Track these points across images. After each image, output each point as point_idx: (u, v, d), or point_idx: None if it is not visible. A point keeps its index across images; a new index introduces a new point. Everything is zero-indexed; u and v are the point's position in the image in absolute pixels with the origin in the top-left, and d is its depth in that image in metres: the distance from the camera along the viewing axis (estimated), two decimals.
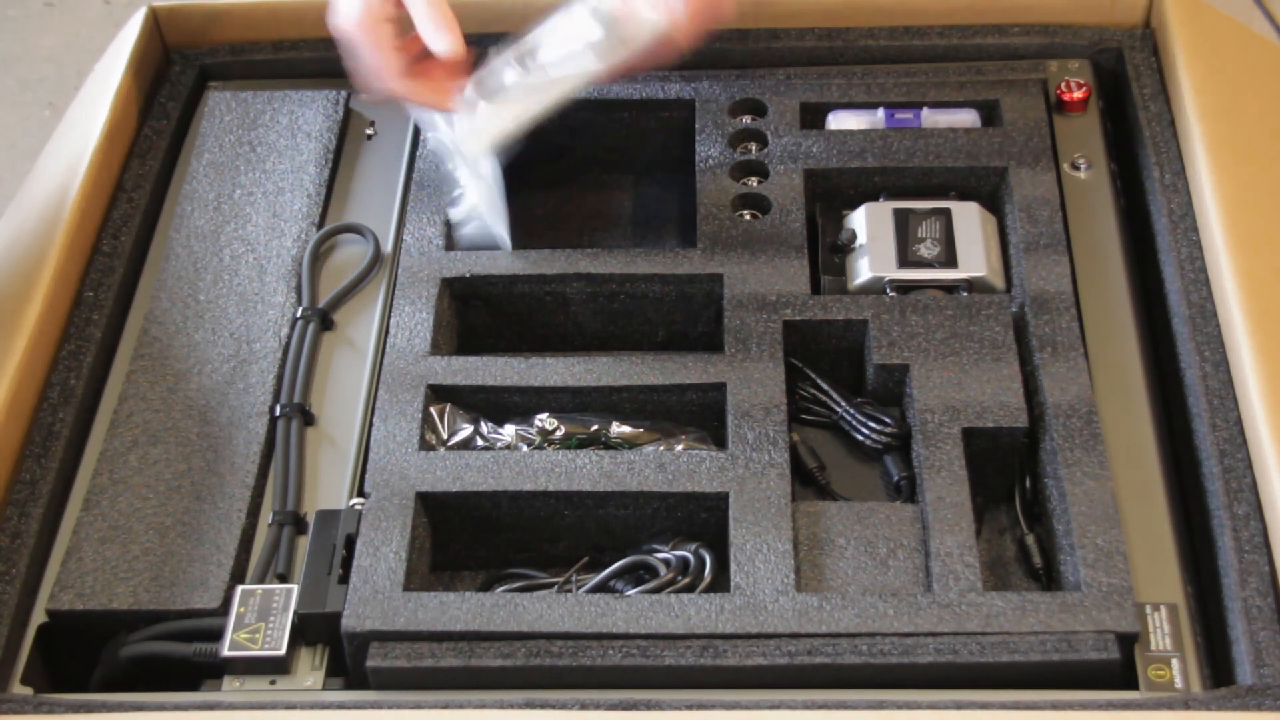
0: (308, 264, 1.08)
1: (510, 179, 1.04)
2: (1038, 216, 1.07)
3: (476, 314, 1.08)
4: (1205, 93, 1.10)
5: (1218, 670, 0.87)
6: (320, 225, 1.11)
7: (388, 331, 1.03)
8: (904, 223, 1.07)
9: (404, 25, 1.00)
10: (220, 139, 1.17)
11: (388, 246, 1.11)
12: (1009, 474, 0.98)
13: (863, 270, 1.05)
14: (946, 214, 1.07)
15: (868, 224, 1.07)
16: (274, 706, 0.86)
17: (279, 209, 1.12)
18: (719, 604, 0.88)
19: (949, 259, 1.05)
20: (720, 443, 0.99)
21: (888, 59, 1.20)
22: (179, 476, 0.97)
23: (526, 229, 1.18)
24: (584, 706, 0.83)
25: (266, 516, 0.96)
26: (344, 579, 0.90)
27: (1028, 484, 0.98)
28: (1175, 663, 0.86)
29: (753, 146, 1.13)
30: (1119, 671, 0.86)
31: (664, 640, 0.86)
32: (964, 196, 1.10)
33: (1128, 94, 1.16)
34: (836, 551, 0.91)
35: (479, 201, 1.06)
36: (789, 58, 1.20)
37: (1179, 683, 0.86)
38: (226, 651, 0.88)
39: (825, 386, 1.02)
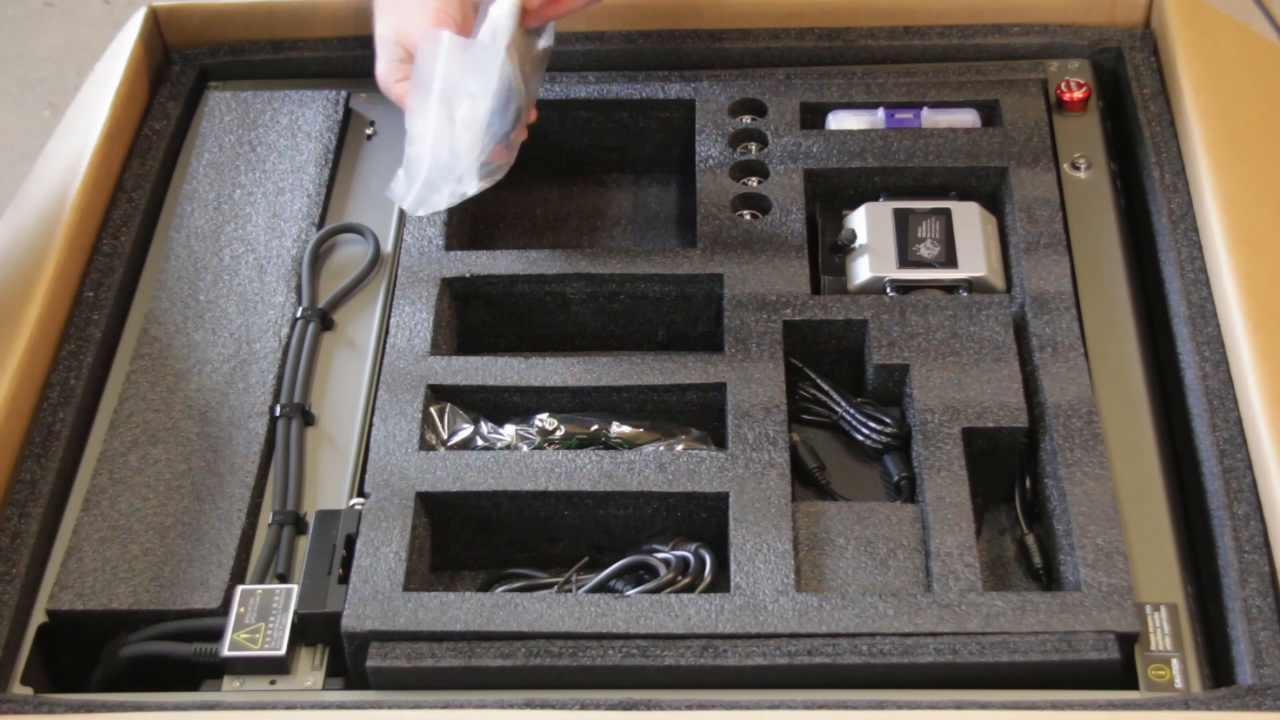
0: (308, 264, 1.08)
1: (511, 178, 1.04)
2: (1038, 216, 1.07)
3: (476, 314, 1.08)
4: (1205, 93, 1.10)
5: (1218, 670, 0.87)
6: (320, 225, 1.11)
7: (388, 331, 1.03)
8: (904, 223, 1.07)
9: None
10: (220, 139, 1.17)
11: (388, 246, 1.11)
12: (1009, 474, 0.98)
13: (863, 270, 1.05)
14: (946, 214, 1.07)
15: (868, 224, 1.07)
16: (274, 706, 0.86)
17: (279, 209, 1.12)
18: (719, 604, 0.88)
19: (949, 259, 1.05)
20: (720, 443, 0.99)
21: (888, 59, 1.20)
22: (179, 476, 0.97)
23: (527, 229, 1.18)
24: (584, 706, 0.83)
25: (266, 516, 0.96)
26: (344, 579, 0.90)
27: (1028, 484, 0.98)
28: (1175, 663, 0.86)
29: (753, 146, 1.13)
30: (1119, 671, 0.86)
31: (664, 640, 0.86)
32: (964, 196, 1.10)
33: (1128, 94, 1.16)
34: (836, 551, 0.91)
35: (428, 153, 1.00)
36: (789, 58, 1.20)
37: (1179, 683, 0.86)
38: (226, 651, 0.88)
39: (825, 386, 1.02)
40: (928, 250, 1.05)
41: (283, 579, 0.92)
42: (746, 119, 1.15)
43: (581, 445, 0.98)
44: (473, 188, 1.00)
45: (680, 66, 1.20)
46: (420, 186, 1.00)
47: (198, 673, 0.89)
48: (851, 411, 1.00)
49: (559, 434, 0.99)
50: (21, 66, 2.09)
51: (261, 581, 0.92)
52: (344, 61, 1.22)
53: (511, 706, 0.83)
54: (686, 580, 0.91)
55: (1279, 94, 1.12)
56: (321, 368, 1.04)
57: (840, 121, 1.15)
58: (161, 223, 1.13)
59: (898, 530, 0.92)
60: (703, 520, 0.95)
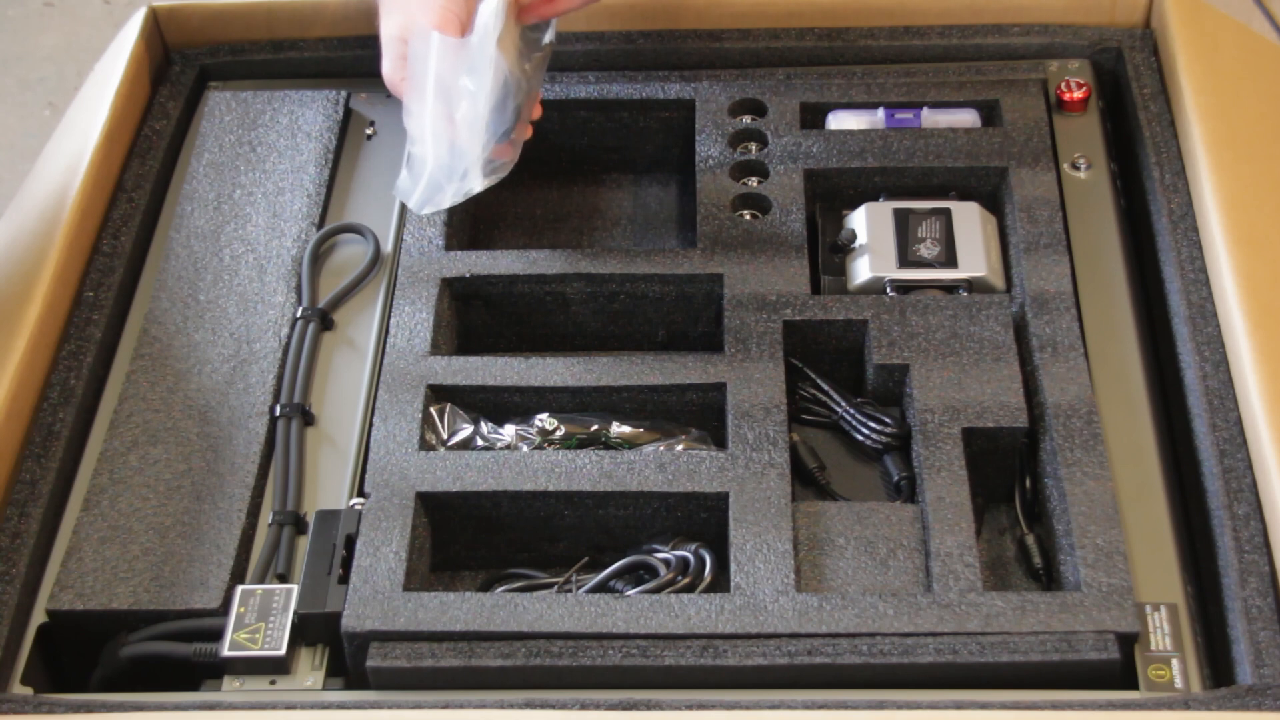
0: (308, 264, 1.08)
1: (511, 178, 1.04)
2: (1038, 216, 1.07)
3: (476, 314, 1.08)
4: (1205, 93, 1.10)
5: (1218, 670, 0.87)
6: (320, 225, 1.11)
7: (388, 331, 1.03)
8: (904, 223, 1.07)
9: None
10: (220, 139, 1.17)
11: (388, 246, 1.11)
12: (1009, 474, 0.98)
13: (863, 270, 1.05)
14: (946, 214, 1.07)
15: (868, 224, 1.07)
16: (274, 706, 0.86)
17: (279, 209, 1.12)
18: (719, 604, 0.88)
19: (949, 259, 1.05)
20: (720, 443, 0.99)
21: (888, 59, 1.20)
22: (179, 476, 0.97)
23: (527, 229, 1.18)
24: (584, 706, 0.83)
25: (266, 516, 0.96)
26: (344, 579, 0.90)
27: (1028, 484, 0.98)
28: (1175, 663, 0.86)
29: (753, 146, 1.13)
30: (1119, 671, 0.86)
31: (664, 640, 0.86)
32: (964, 196, 1.10)
33: (1128, 94, 1.16)
34: (836, 551, 0.91)
35: (432, 152, 1.01)
36: (789, 58, 1.20)
37: (1179, 683, 0.86)
38: (226, 651, 0.88)
39: (825, 386, 1.02)
40: (928, 250, 1.05)
41: (283, 579, 0.92)
42: (746, 119, 1.15)
43: (581, 445, 0.98)
44: (478, 185, 1.00)
45: (680, 66, 1.20)
46: (424, 186, 1.00)
47: (198, 673, 0.89)
48: (851, 411, 1.00)
49: (559, 434, 0.99)
50: (21, 66, 2.09)
51: (261, 581, 0.92)
52: (344, 61, 1.22)
53: (511, 706, 0.83)
54: (686, 580, 0.91)
55: (1279, 94, 1.12)
56: (321, 368, 1.04)
57: (840, 121, 1.15)
58: (161, 223, 1.13)
59: (898, 530, 0.92)
60: (703, 520, 0.95)
